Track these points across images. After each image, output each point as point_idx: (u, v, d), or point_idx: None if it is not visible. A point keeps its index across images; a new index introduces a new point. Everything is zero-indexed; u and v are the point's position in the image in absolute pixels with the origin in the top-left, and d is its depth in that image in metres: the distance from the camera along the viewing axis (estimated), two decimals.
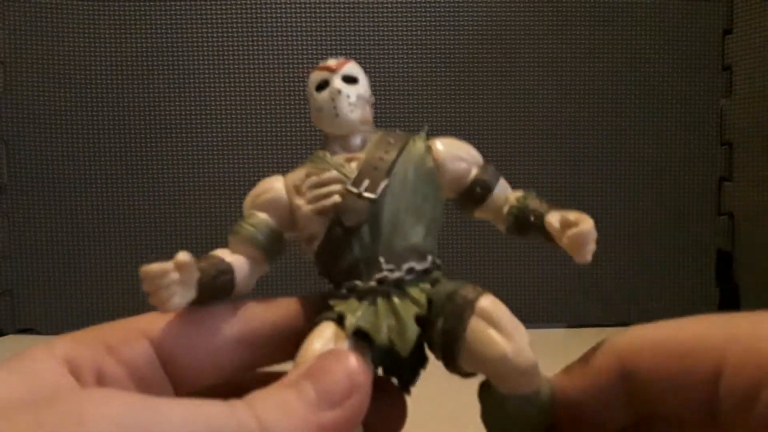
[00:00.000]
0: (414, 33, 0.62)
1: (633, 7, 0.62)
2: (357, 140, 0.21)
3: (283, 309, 0.20)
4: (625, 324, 0.68)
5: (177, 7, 0.60)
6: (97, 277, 0.61)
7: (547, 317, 0.63)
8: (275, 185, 0.21)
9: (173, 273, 0.17)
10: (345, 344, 0.18)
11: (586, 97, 0.63)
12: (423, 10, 0.62)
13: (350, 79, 0.21)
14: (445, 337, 0.18)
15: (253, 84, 0.61)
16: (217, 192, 0.62)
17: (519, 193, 0.23)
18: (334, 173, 0.20)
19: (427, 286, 0.19)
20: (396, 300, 0.19)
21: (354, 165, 0.20)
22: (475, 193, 0.22)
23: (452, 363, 0.18)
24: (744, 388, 0.14)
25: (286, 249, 0.21)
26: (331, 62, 0.22)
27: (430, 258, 0.20)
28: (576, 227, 0.20)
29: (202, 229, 0.61)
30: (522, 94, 0.63)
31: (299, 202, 0.20)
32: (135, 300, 0.61)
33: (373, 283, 0.19)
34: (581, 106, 0.63)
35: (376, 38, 0.62)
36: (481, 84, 0.62)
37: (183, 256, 0.17)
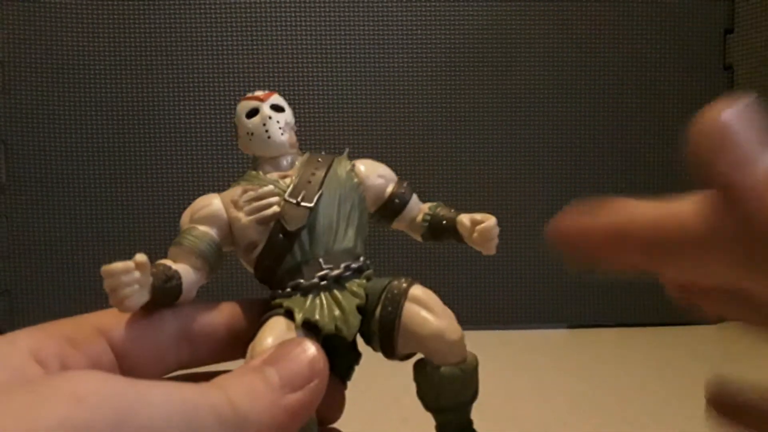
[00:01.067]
0: (414, 33, 0.62)
1: (633, 7, 0.62)
2: (286, 161, 0.24)
3: (223, 312, 0.21)
4: (625, 324, 0.68)
5: (177, 7, 0.60)
6: (95, 277, 0.61)
7: (547, 317, 0.63)
8: (213, 201, 0.23)
9: (135, 272, 0.19)
10: (295, 336, 0.20)
11: (587, 96, 0.63)
12: (423, 10, 0.62)
13: (278, 108, 0.24)
14: (383, 323, 0.21)
15: (254, 84, 0.61)
16: (216, 192, 0.62)
17: (430, 204, 0.26)
18: (270, 187, 0.22)
19: (363, 281, 0.22)
20: (337, 293, 0.21)
21: (288, 180, 0.22)
22: (394, 205, 0.24)
23: (390, 348, 0.21)
24: None
25: (223, 263, 0.23)
26: (259, 93, 0.25)
27: (362, 259, 0.22)
28: (483, 224, 0.23)
29: None
30: (522, 94, 0.63)
31: (238, 214, 0.22)
32: None
33: (315, 280, 0.21)
34: (581, 106, 0.63)
35: (376, 38, 0.62)
36: (481, 84, 0.62)
37: (141, 257, 0.19)
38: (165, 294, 0.20)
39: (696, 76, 0.63)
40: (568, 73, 0.63)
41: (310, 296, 0.21)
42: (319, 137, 0.62)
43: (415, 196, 0.25)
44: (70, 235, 0.61)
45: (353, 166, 0.24)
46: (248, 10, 0.61)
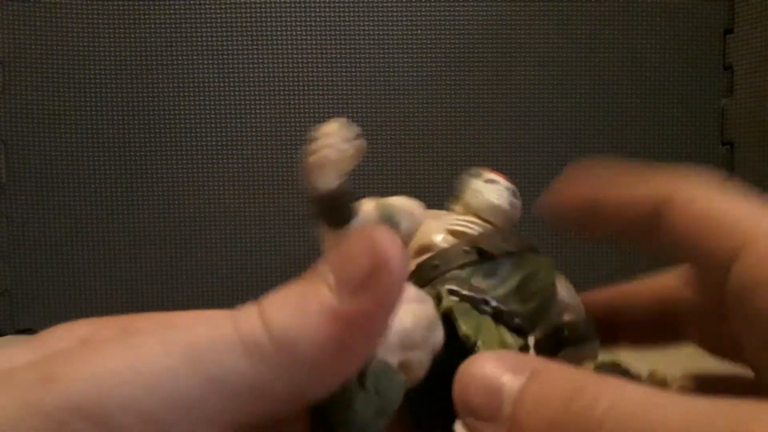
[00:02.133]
0: (414, 33, 0.62)
1: (633, 7, 0.62)
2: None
3: None
4: None
5: (177, 7, 0.60)
6: (96, 277, 0.61)
7: None
8: None
9: (350, 144, 0.17)
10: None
11: (587, 96, 0.63)
12: (423, 10, 0.62)
13: (509, 187, 0.23)
14: None
15: (253, 84, 0.61)
16: (217, 192, 0.62)
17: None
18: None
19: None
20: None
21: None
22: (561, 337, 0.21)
23: None
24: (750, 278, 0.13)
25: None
26: (493, 171, 0.24)
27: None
28: None
29: (202, 228, 0.61)
30: (522, 94, 0.63)
31: None
32: (134, 300, 0.61)
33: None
34: (581, 106, 0.63)
35: (377, 38, 0.62)
36: (481, 84, 0.62)
37: (362, 142, 0.17)
38: (338, 204, 0.17)
39: (696, 76, 0.63)
40: (567, 72, 0.63)
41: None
42: None
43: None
44: (70, 235, 0.61)
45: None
46: (249, 10, 0.61)
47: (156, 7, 0.60)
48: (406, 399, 0.15)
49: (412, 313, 0.15)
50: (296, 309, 0.12)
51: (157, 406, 0.11)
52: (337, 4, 0.61)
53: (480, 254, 0.19)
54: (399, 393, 0.14)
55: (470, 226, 0.20)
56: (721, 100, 0.63)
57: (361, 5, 0.61)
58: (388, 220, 0.18)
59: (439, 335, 0.16)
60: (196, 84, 0.61)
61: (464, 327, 0.16)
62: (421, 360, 0.15)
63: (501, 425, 0.12)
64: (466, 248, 0.19)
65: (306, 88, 0.62)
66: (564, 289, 0.21)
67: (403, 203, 0.19)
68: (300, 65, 0.61)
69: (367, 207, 0.17)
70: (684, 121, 0.63)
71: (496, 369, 0.13)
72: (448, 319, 0.16)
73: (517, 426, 0.12)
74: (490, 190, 0.22)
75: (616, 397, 0.11)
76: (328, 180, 0.16)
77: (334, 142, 0.17)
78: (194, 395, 0.11)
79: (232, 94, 0.61)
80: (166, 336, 0.12)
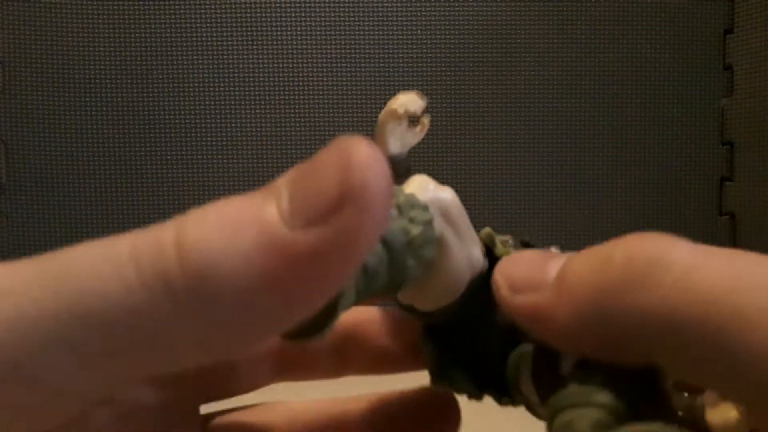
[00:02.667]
0: (414, 33, 0.62)
1: (633, 7, 0.62)
2: None
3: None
4: None
5: (177, 7, 0.60)
6: None
7: None
8: None
9: (420, 119, 0.16)
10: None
11: (586, 96, 0.63)
12: (423, 10, 0.62)
13: None
14: None
15: (253, 84, 0.61)
16: (217, 192, 0.62)
17: None
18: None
19: None
20: None
21: None
22: None
23: None
24: None
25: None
26: None
27: None
28: None
29: None
30: (521, 94, 0.63)
31: None
32: None
33: None
34: (581, 106, 0.63)
35: (377, 38, 0.62)
36: (481, 84, 0.62)
37: (427, 121, 0.16)
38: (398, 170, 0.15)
39: (696, 76, 0.63)
40: (567, 72, 0.63)
41: None
42: (319, 137, 0.62)
43: None
44: (70, 235, 0.61)
45: None
46: (249, 10, 0.61)
47: (156, 7, 0.60)
48: (435, 338, 0.14)
49: (451, 192, 0.15)
50: (227, 230, 0.09)
51: (19, 350, 0.09)
52: (337, 4, 0.61)
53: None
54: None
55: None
56: (721, 100, 0.63)
57: (361, 5, 0.61)
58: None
59: (477, 251, 0.15)
60: (196, 84, 0.61)
61: (502, 250, 0.15)
62: (459, 256, 0.14)
63: (544, 291, 0.12)
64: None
65: (306, 88, 0.62)
66: None
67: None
68: (300, 65, 0.61)
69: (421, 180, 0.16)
70: (684, 121, 0.63)
71: (539, 252, 0.13)
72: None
73: (565, 287, 0.11)
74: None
75: (669, 252, 0.11)
76: (394, 146, 0.15)
77: (408, 110, 0.16)
78: (69, 336, 0.09)
79: (232, 94, 0.61)
80: (41, 260, 0.09)
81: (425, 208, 0.13)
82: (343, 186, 0.08)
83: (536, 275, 0.12)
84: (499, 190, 0.63)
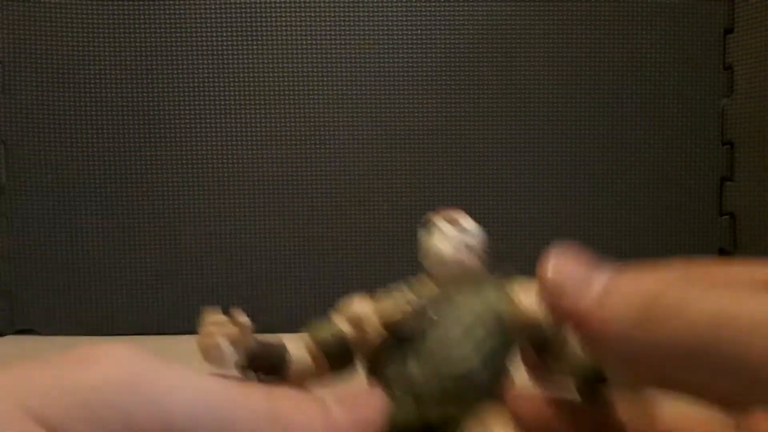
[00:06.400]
0: (414, 33, 0.62)
1: (633, 7, 0.62)
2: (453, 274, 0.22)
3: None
4: None
5: (177, 7, 0.60)
6: (96, 278, 0.61)
7: None
8: (364, 307, 0.21)
9: (230, 326, 0.18)
10: None
11: (587, 97, 0.63)
12: (423, 10, 0.62)
13: (461, 228, 0.22)
14: None
15: (254, 84, 0.61)
16: (216, 193, 0.62)
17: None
18: (409, 294, 0.21)
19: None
20: None
21: (431, 290, 0.21)
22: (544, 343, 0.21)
23: None
24: None
25: (350, 365, 0.21)
26: (445, 211, 0.22)
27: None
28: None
29: (202, 229, 0.61)
30: (522, 94, 0.63)
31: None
32: (133, 300, 0.61)
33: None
34: (581, 106, 0.63)
35: (377, 38, 0.62)
36: (481, 84, 0.62)
37: (244, 318, 0.18)
38: (265, 364, 0.19)
39: (696, 76, 0.63)
40: (567, 73, 0.63)
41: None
42: (319, 137, 0.62)
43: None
44: (71, 236, 0.61)
45: (510, 296, 0.21)
46: (249, 10, 0.61)
47: (156, 7, 0.60)
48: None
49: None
50: (304, 414, 0.15)
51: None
52: (337, 4, 0.61)
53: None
54: None
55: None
56: (721, 100, 0.63)
57: (361, 5, 0.61)
58: None
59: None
60: (196, 84, 0.61)
61: None
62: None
63: (588, 300, 0.14)
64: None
65: (306, 88, 0.61)
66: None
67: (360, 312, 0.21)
68: (300, 65, 0.61)
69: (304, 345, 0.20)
70: (684, 121, 0.63)
71: (583, 260, 0.16)
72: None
73: (608, 305, 0.14)
74: (435, 240, 0.22)
75: (699, 296, 0.13)
76: (230, 363, 0.18)
77: (222, 331, 0.18)
78: None
79: (232, 94, 0.61)
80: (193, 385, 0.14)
81: None
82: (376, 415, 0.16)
83: (582, 285, 0.15)
84: (499, 189, 0.63)
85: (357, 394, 0.17)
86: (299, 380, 0.19)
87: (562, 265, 0.16)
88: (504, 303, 0.21)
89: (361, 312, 0.21)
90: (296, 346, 0.20)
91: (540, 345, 0.21)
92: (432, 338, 0.20)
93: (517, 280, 0.21)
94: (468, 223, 0.22)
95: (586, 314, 0.14)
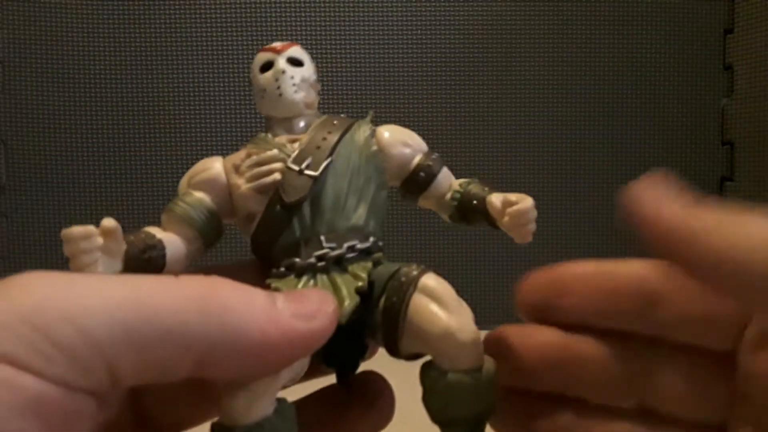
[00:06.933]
0: (414, 33, 0.62)
1: (633, 7, 0.62)
2: (301, 123, 0.21)
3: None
4: None
5: (176, 7, 0.60)
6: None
7: None
8: (214, 165, 0.21)
9: (97, 237, 0.17)
10: None
11: (587, 96, 0.63)
12: (423, 10, 0.62)
13: (295, 62, 0.21)
14: (386, 314, 0.18)
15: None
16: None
17: (462, 180, 0.22)
18: (275, 152, 0.20)
19: (369, 265, 0.19)
20: (336, 276, 0.18)
21: (296, 145, 0.20)
22: (419, 179, 0.21)
23: (394, 344, 0.18)
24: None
25: (223, 234, 0.20)
26: (276, 44, 0.22)
27: (372, 239, 0.19)
28: (515, 206, 0.20)
29: None
30: (522, 94, 0.63)
31: (238, 181, 0.20)
32: None
33: (312, 260, 0.19)
34: (581, 106, 0.63)
35: (377, 38, 0.62)
36: (481, 84, 0.62)
37: (109, 221, 0.17)
38: (141, 265, 0.18)
39: (696, 76, 0.63)
40: (567, 72, 0.63)
41: (305, 278, 0.18)
42: None
43: (445, 170, 0.22)
44: None
45: (374, 131, 0.21)
46: (249, 10, 0.61)
47: (156, 8, 0.60)
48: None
49: None
50: (248, 304, 0.14)
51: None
52: (337, 4, 0.61)
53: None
54: None
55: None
56: (721, 100, 0.63)
57: (361, 5, 0.61)
58: None
59: None
60: (195, 84, 0.61)
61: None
62: None
63: (693, 222, 0.16)
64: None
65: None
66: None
67: None
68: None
69: None
70: (684, 121, 0.63)
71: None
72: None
73: (708, 236, 0.15)
74: (272, 78, 0.21)
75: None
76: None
77: (81, 249, 0.18)
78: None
79: (231, 94, 0.61)
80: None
81: None
82: (321, 305, 0.15)
83: (668, 198, 0.16)
84: (498, 189, 0.62)
85: (306, 292, 0.16)
86: (176, 268, 0.19)
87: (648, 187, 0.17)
88: (374, 144, 0.21)
89: (216, 173, 0.20)
90: (168, 236, 0.19)
91: (409, 181, 0.21)
92: (318, 195, 0.19)
93: (381, 123, 0.21)
94: (299, 51, 0.22)
95: (671, 219, 0.15)
